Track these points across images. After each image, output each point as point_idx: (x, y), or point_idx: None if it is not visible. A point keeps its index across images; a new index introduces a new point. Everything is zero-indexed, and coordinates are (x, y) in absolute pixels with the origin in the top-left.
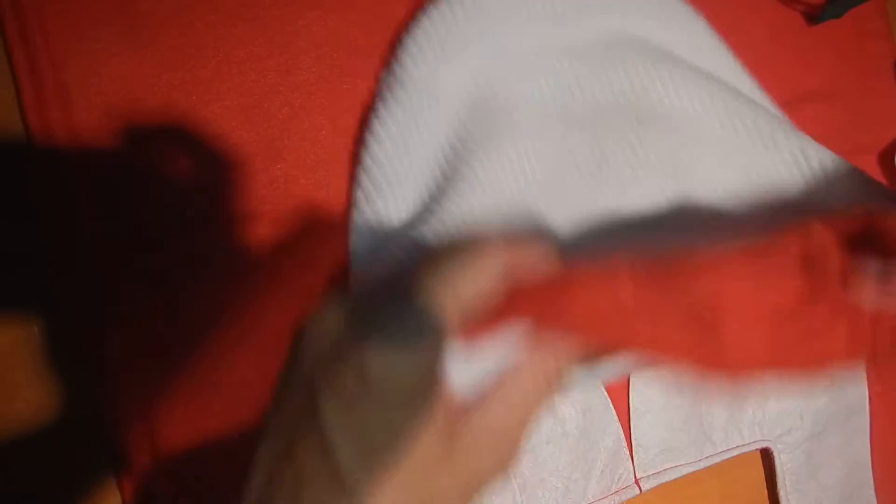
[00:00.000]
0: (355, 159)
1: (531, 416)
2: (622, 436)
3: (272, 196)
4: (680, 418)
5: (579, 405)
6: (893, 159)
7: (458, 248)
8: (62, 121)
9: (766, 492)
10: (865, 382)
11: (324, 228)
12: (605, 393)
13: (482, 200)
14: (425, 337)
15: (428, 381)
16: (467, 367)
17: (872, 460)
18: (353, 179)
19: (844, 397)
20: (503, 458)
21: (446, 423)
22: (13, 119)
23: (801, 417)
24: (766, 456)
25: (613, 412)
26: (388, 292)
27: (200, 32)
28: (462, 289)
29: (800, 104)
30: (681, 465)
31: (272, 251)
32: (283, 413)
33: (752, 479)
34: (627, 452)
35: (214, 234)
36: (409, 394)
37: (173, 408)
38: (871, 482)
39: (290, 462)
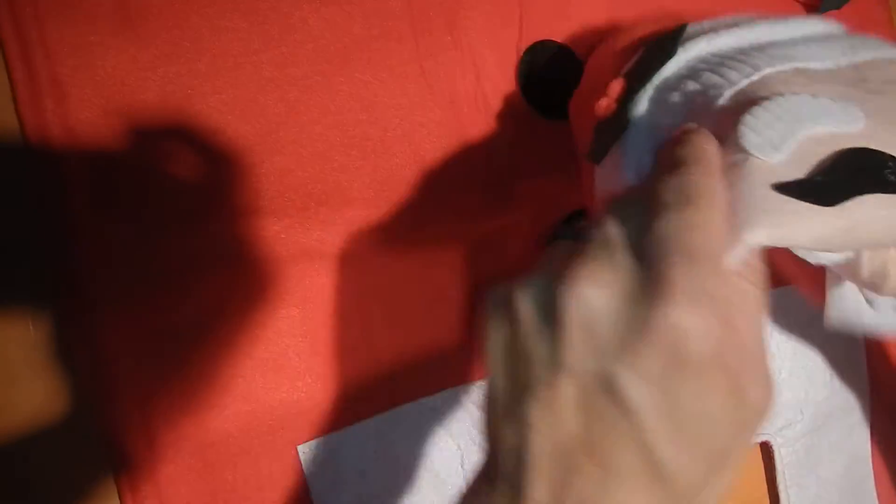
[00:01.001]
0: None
1: None
2: None
3: (269, 189)
4: None
5: None
6: None
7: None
8: (57, 115)
9: (765, 486)
10: (866, 376)
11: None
12: None
13: None
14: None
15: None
16: None
17: (872, 454)
18: (349, 172)
19: (845, 391)
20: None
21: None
22: (7, 112)
23: (802, 411)
24: (766, 450)
25: None
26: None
27: (196, 25)
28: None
29: None
30: None
31: (270, 245)
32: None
33: (752, 473)
34: None
35: (212, 227)
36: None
37: (172, 403)
38: (871, 476)
39: (589, 454)
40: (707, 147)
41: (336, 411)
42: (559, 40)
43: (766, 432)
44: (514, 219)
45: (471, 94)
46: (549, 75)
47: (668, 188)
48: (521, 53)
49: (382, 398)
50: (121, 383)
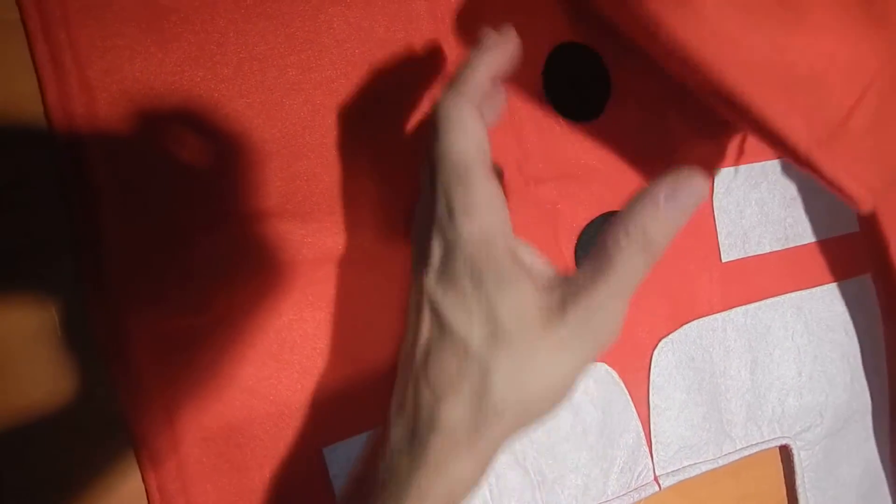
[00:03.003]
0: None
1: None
2: (642, 433)
3: (296, 193)
4: (700, 415)
5: (599, 402)
6: None
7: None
8: (86, 117)
9: (784, 489)
10: (887, 379)
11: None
12: (626, 390)
13: None
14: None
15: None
16: None
17: (891, 457)
18: (374, 175)
19: (865, 394)
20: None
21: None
22: (37, 112)
23: (821, 414)
24: (785, 453)
25: (634, 409)
26: None
27: (222, 28)
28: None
29: None
30: (700, 463)
31: (296, 248)
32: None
33: (771, 477)
34: (647, 450)
35: (238, 230)
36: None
37: (197, 405)
38: (888, 478)
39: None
40: None
41: (362, 414)
42: (584, 42)
43: (786, 435)
44: (539, 222)
45: None
46: (575, 77)
47: None
48: (547, 55)
49: None
50: (146, 386)
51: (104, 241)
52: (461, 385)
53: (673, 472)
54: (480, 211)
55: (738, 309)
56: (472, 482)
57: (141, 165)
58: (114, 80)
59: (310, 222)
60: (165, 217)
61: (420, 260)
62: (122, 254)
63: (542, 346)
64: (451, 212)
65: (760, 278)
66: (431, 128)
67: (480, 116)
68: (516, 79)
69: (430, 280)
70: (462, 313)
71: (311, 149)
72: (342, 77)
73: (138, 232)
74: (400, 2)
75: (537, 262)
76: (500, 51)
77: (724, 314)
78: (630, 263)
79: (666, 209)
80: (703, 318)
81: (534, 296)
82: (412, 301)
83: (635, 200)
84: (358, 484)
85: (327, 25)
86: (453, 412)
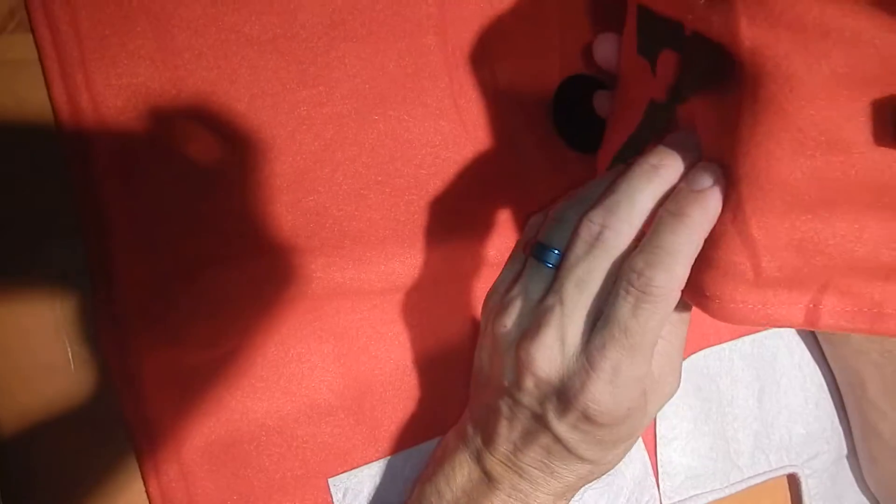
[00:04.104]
0: (386, 190)
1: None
2: (648, 463)
3: (305, 227)
4: (707, 445)
5: None
6: None
7: None
8: (100, 153)
9: None
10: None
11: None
12: None
13: None
14: None
15: None
16: None
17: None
18: (383, 210)
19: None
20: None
21: None
22: (53, 147)
23: (828, 441)
24: (793, 481)
25: (640, 440)
26: None
27: (235, 65)
28: None
29: None
30: (707, 492)
31: (305, 282)
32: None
33: None
34: (654, 480)
35: (249, 265)
36: None
37: (206, 438)
38: None
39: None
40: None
41: (367, 445)
42: (594, 73)
43: (793, 464)
44: None
45: (505, 131)
46: (583, 108)
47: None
48: (556, 87)
49: (415, 432)
50: (155, 418)
51: (116, 276)
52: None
53: (679, 501)
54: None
55: (746, 338)
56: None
57: (153, 200)
58: (129, 116)
59: (319, 257)
60: (176, 250)
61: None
62: (134, 289)
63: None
64: (616, 374)
65: None
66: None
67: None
68: (524, 109)
69: (558, 427)
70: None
71: (321, 183)
72: (352, 112)
73: (149, 265)
74: (411, 37)
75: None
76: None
77: (731, 343)
78: (636, 313)
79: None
80: (711, 348)
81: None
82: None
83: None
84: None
85: (339, 62)
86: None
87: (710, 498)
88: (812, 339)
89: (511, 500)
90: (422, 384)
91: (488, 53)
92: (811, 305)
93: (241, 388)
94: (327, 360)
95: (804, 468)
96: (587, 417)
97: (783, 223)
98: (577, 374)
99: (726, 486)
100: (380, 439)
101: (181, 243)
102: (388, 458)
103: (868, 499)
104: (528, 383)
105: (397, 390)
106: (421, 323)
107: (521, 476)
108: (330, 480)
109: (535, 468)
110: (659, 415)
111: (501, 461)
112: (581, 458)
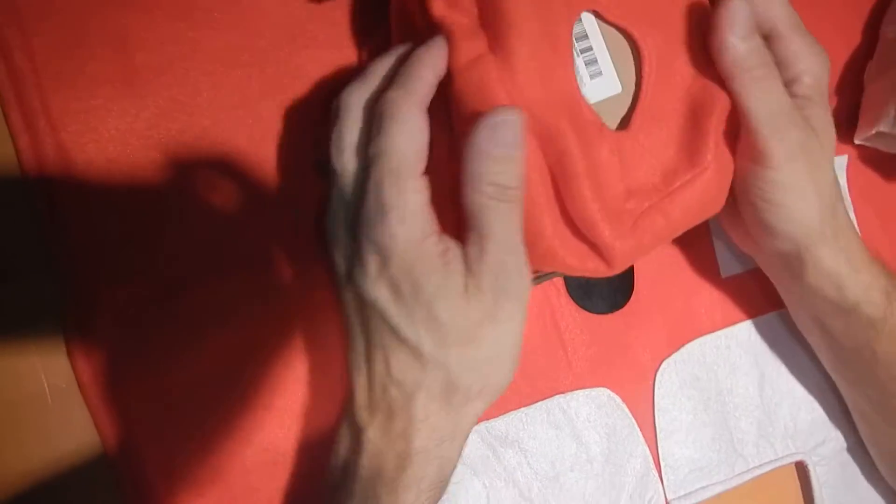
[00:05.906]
0: None
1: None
2: (650, 458)
3: (281, 241)
4: (708, 436)
5: (603, 429)
6: None
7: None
8: (63, 180)
9: None
10: None
11: None
12: (630, 414)
13: None
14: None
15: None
16: None
17: None
18: None
19: None
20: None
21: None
22: (14, 180)
23: (837, 427)
24: (802, 469)
25: (640, 434)
26: None
27: (194, 81)
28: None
29: None
30: (713, 485)
31: (287, 297)
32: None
33: (789, 495)
34: (657, 474)
35: (227, 283)
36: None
37: (193, 457)
38: None
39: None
40: None
41: None
42: None
43: (801, 451)
44: None
45: None
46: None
47: None
48: None
49: None
50: (141, 441)
51: (90, 307)
52: (426, 382)
53: (685, 495)
54: (416, 216)
55: (742, 324)
56: (456, 459)
57: (121, 223)
58: (88, 140)
59: (298, 270)
60: (154, 274)
61: (354, 264)
62: (112, 314)
63: (480, 327)
64: (384, 215)
65: (762, 292)
66: (376, 122)
67: (426, 118)
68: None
69: (370, 287)
70: (407, 319)
71: (291, 195)
72: (320, 120)
73: (125, 293)
74: (369, 34)
75: (452, 248)
76: (443, 53)
77: (726, 330)
78: (498, 217)
79: (496, 151)
80: (706, 336)
81: (460, 286)
82: (351, 306)
83: (465, 159)
84: (343, 476)
85: (300, 69)
86: (427, 406)
87: (717, 490)
88: None
89: (387, 445)
90: None
91: None
92: None
93: (222, 408)
94: (311, 373)
95: (812, 455)
96: (383, 258)
97: None
98: (367, 222)
99: (732, 478)
100: None
101: (156, 266)
102: None
103: (881, 488)
104: (340, 265)
105: None
106: None
107: (386, 415)
108: None
109: (387, 387)
110: (658, 408)
111: (363, 405)
112: (407, 341)
